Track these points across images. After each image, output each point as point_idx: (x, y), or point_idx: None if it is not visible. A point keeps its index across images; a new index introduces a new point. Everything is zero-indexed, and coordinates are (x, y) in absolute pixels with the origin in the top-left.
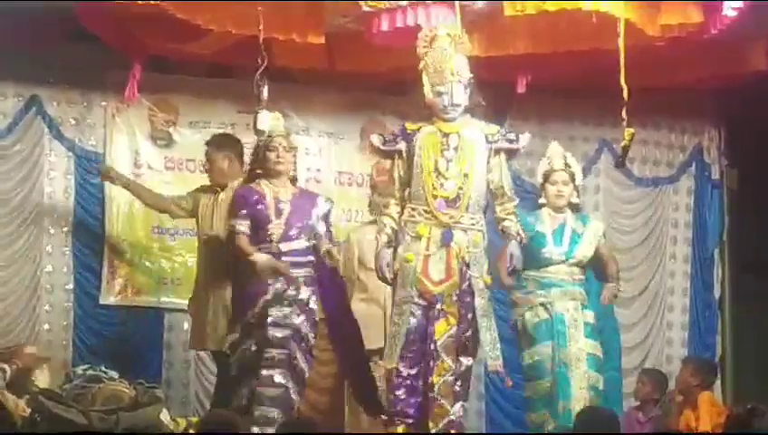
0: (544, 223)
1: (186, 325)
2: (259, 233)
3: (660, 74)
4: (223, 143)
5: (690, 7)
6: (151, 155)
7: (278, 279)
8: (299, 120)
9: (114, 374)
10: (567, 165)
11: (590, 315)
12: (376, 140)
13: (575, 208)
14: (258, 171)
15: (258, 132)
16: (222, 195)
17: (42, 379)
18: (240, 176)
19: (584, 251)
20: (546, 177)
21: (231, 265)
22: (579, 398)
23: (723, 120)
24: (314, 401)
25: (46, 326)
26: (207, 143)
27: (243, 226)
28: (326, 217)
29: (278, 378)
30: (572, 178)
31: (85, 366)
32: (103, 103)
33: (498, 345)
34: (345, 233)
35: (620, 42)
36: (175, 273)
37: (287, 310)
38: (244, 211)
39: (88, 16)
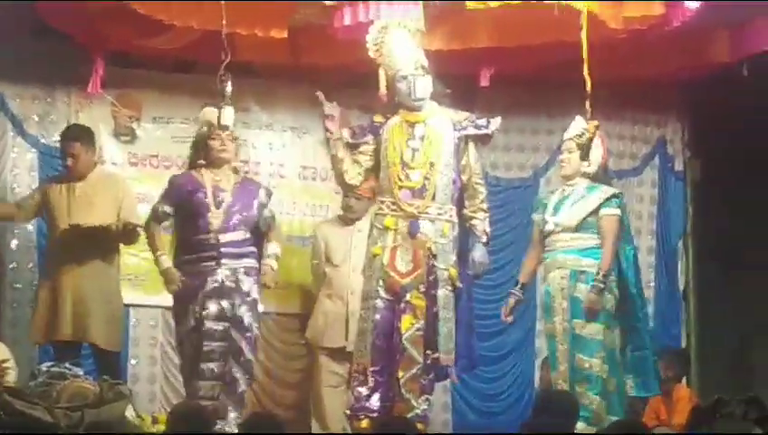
0: (554, 194)
1: (152, 321)
2: (199, 222)
3: (623, 67)
4: (83, 135)
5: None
6: (114, 151)
7: (215, 272)
8: (262, 115)
9: (79, 371)
10: (578, 135)
11: (582, 289)
12: (345, 133)
13: (593, 178)
14: (200, 161)
15: (222, 127)
16: (79, 186)
17: (8, 377)
18: (92, 167)
19: (569, 216)
20: (559, 147)
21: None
22: (561, 371)
23: (686, 112)
24: (280, 396)
25: (12, 323)
26: (72, 137)
27: (165, 208)
28: (263, 207)
29: (218, 370)
30: (581, 148)
31: (50, 363)
32: (66, 99)
33: (453, 339)
34: (310, 228)
35: (583, 34)
36: (140, 268)
37: (226, 302)
38: (174, 198)
39: (49, 11)
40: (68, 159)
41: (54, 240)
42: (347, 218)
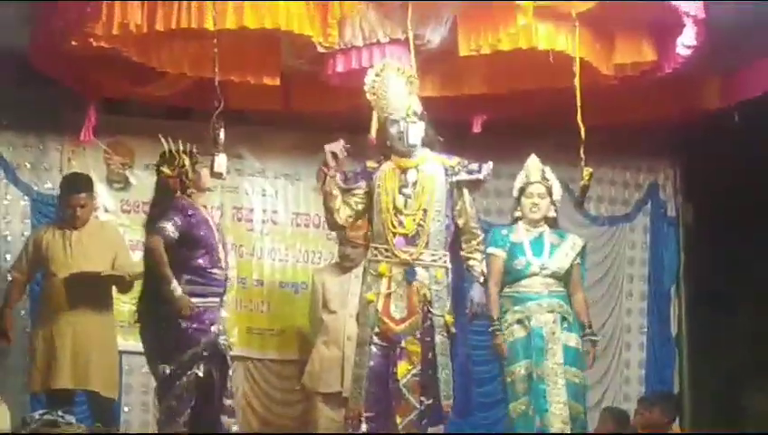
0: (520, 235)
1: (144, 368)
2: (213, 256)
3: (615, 113)
4: (88, 185)
5: (644, 46)
6: (107, 198)
7: (219, 310)
8: (255, 162)
9: (71, 419)
10: (545, 178)
11: (572, 338)
12: (338, 178)
13: (552, 223)
14: (192, 191)
15: (215, 175)
16: (75, 234)
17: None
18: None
19: (559, 262)
20: (522, 190)
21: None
22: (556, 414)
23: (678, 158)
24: None
25: (4, 370)
26: (78, 188)
27: (169, 230)
28: None
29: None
30: (549, 192)
31: (42, 411)
32: (59, 147)
33: (451, 385)
34: (303, 274)
35: (576, 81)
36: (133, 316)
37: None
38: (179, 220)
39: (42, 58)
40: (77, 210)
41: (50, 287)
42: (344, 267)
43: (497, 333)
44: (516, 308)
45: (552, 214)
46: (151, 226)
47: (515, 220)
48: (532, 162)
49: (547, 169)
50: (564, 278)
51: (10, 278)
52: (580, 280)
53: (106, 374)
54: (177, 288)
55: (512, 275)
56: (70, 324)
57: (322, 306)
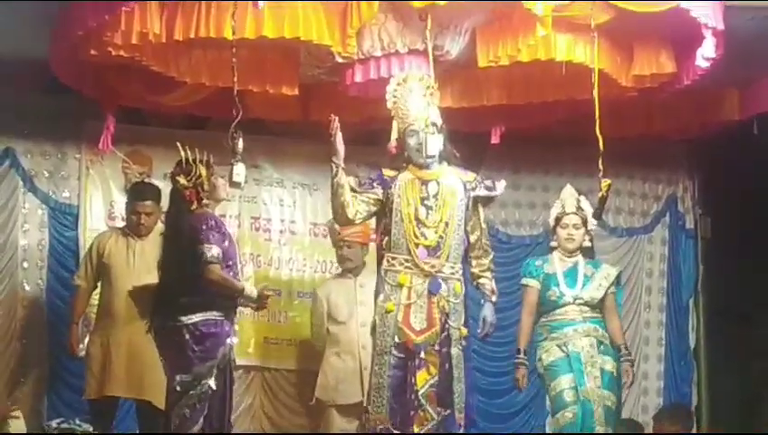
0: (554, 265)
1: None
2: (233, 269)
3: (634, 124)
4: (155, 193)
5: (663, 58)
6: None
7: (234, 322)
8: (273, 172)
9: (88, 428)
10: (580, 208)
11: (608, 362)
12: (352, 182)
13: (587, 253)
14: (206, 202)
15: (234, 184)
16: (139, 243)
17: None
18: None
19: (593, 293)
20: (558, 220)
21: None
22: None
23: (697, 170)
24: None
25: (21, 379)
26: (144, 196)
27: (217, 253)
28: None
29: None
30: (584, 223)
31: (59, 419)
32: (77, 155)
33: (464, 398)
34: (321, 284)
35: (594, 92)
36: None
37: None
38: (217, 236)
39: (61, 67)
40: (141, 217)
41: (109, 295)
42: (345, 271)
43: (519, 366)
44: (554, 335)
45: (586, 244)
46: (181, 248)
47: (551, 250)
48: (568, 192)
49: (582, 198)
50: (599, 305)
51: (77, 286)
52: (615, 307)
53: (158, 385)
54: (248, 288)
55: (546, 306)
56: (126, 334)
57: (328, 318)
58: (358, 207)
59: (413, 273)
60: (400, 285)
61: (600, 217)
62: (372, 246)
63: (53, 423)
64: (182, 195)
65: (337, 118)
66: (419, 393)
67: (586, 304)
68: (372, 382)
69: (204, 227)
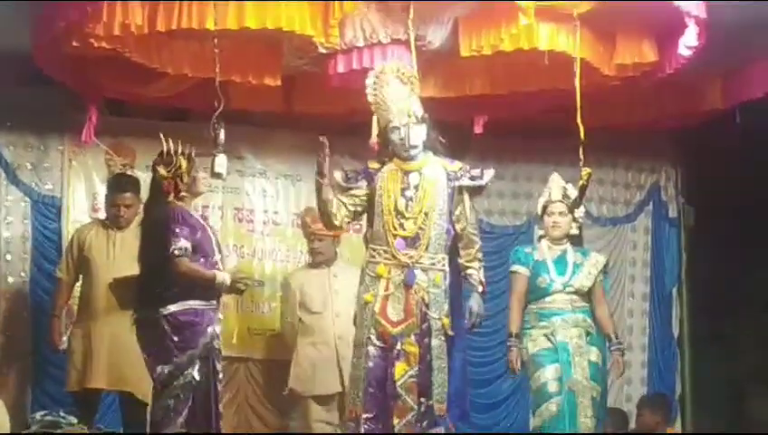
0: (543, 253)
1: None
2: (209, 260)
3: (617, 113)
4: (135, 185)
5: (645, 47)
6: None
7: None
8: (256, 163)
9: (73, 420)
10: (566, 196)
11: (593, 352)
12: (338, 176)
13: (575, 241)
14: (184, 194)
15: (215, 175)
16: (119, 235)
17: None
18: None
19: (582, 281)
20: (545, 208)
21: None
22: (583, 428)
23: (679, 159)
24: None
25: (4, 371)
26: (123, 188)
27: (184, 246)
28: None
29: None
30: (571, 210)
31: (44, 412)
32: (60, 147)
33: (446, 388)
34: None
35: (576, 81)
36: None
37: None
38: (185, 230)
39: (43, 59)
40: (121, 210)
41: (90, 288)
42: (317, 263)
43: (512, 348)
44: (542, 323)
45: (574, 231)
46: (154, 239)
47: (540, 239)
48: (555, 181)
49: (569, 186)
50: (588, 294)
51: (58, 279)
52: (603, 294)
53: (140, 377)
54: (220, 276)
55: (535, 293)
56: (107, 325)
57: (300, 308)
58: (343, 212)
59: (392, 264)
60: (379, 277)
61: (579, 206)
62: (344, 238)
63: (38, 416)
64: (160, 185)
65: (327, 143)
66: (398, 384)
67: (576, 292)
68: (351, 374)
69: (172, 220)
